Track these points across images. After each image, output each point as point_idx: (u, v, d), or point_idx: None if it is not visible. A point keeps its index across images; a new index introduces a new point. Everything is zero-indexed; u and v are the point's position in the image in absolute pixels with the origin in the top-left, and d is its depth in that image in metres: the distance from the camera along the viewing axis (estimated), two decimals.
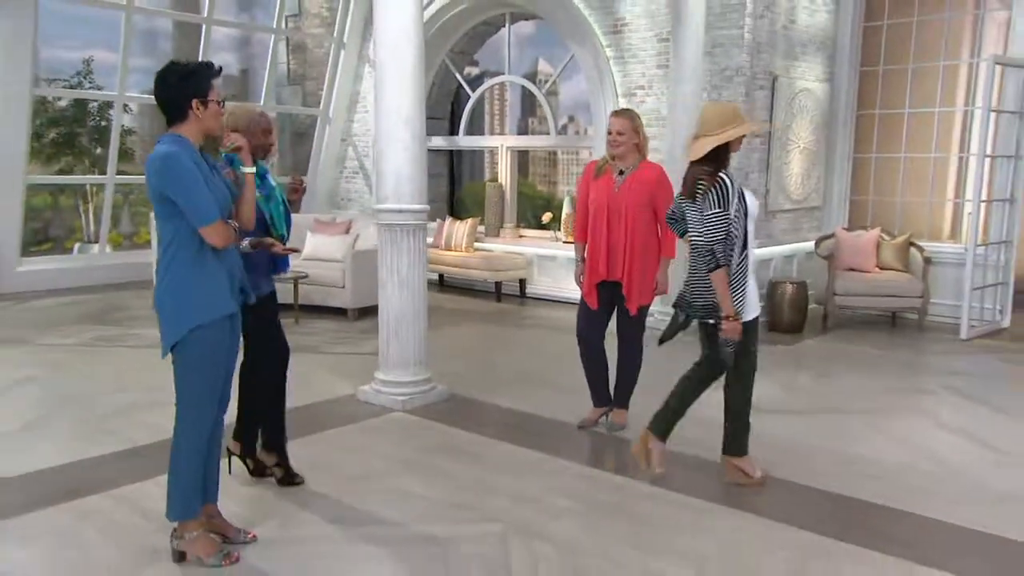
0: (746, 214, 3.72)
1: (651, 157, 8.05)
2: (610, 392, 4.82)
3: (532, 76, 11.57)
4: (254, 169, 3.25)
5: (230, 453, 3.86)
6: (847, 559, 3.22)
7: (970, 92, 8.19)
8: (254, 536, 3.27)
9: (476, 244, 9.56)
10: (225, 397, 3.20)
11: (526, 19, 9.95)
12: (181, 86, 2.92)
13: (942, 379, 5.96)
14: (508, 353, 6.78)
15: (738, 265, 3.68)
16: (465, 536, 3.36)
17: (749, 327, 3.79)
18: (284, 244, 3.72)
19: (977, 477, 4.13)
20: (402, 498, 3.74)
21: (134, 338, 6.89)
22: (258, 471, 3.89)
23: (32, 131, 10.26)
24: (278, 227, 3.70)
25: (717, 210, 3.62)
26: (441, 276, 9.82)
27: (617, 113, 4.61)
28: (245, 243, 3.48)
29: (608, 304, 4.68)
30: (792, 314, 7.55)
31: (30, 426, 4.62)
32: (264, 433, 3.89)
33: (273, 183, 3.73)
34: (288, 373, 3.93)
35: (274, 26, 10.43)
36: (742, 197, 3.72)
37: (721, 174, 3.68)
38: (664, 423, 3.92)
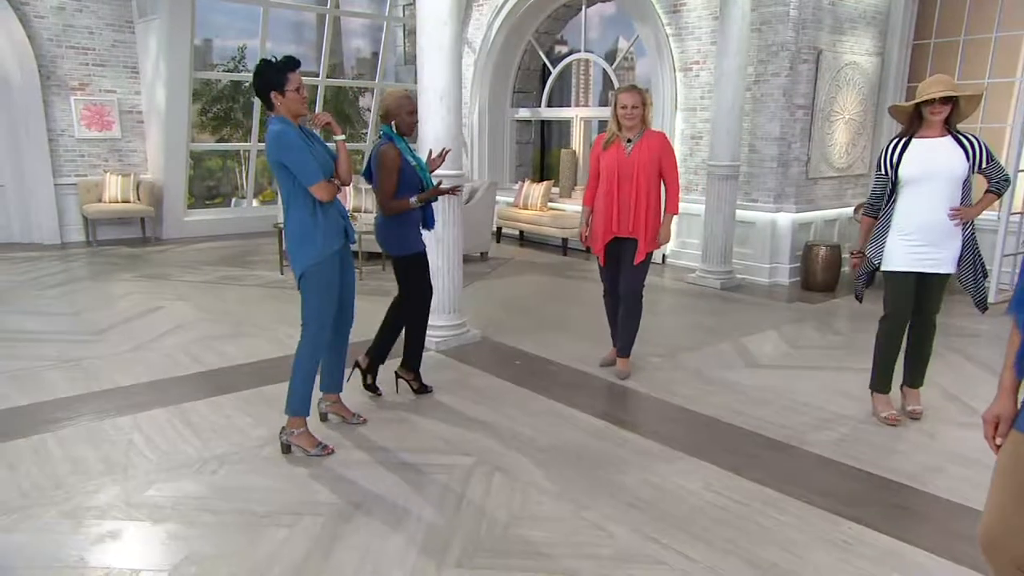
0: (895, 175, 3.64)
1: (701, 127, 7.65)
2: None
3: (613, 53, 10.98)
4: (344, 137, 3.34)
5: (356, 365, 4.07)
6: (771, 506, 2.95)
7: None
8: (365, 420, 3.73)
9: (550, 204, 9.33)
10: (349, 314, 3.53)
11: (602, 1, 9.42)
12: (259, 83, 3.14)
13: (952, 340, 5.30)
14: (554, 302, 6.60)
15: (884, 218, 3.73)
16: (439, 465, 3.32)
17: (887, 277, 3.75)
18: (430, 204, 3.97)
19: (925, 436, 3.68)
20: (405, 428, 3.73)
21: (253, 278, 7.21)
22: (371, 387, 4.11)
23: (200, 107, 10.82)
24: (427, 188, 3.90)
25: (877, 171, 3.76)
26: (521, 232, 9.67)
27: (627, 89, 4.28)
28: (413, 199, 3.76)
29: (616, 260, 4.43)
30: (825, 274, 6.94)
31: (139, 347, 4.94)
32: (405, 354, 4.14)
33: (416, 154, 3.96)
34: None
35: (386, 14, 10.38)
36: (890, 161, 3.64)
37: (893, 139, 3.70)
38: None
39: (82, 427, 3.62)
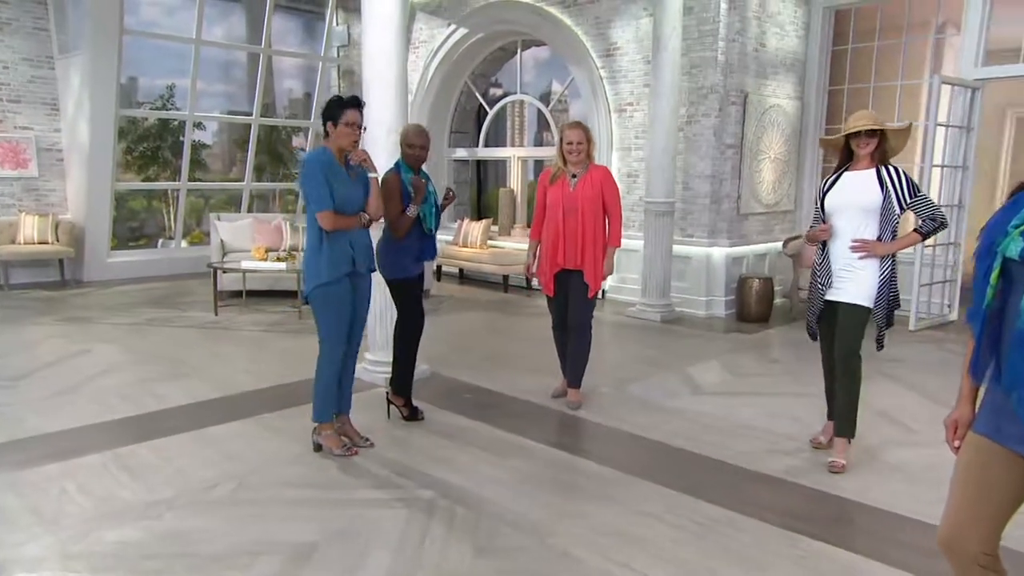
0: (822, 209, 3.66)
1: (636, 165, 7.93)
2: None
3: (547, 95, 11.30)
4: (376, 174, 3.68)
5: (389, 402, 4.30)
6: (728, 526, 3.02)
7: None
8: (372, 443, 3.84)
9: (489, 242, 9.41)
10: (355, 338, 3.73)
11: (536, 45, 9.73)
12: (323, 113, 3.51)
13: (881, 365, 5.57)
14: (498, 337, 6.63)
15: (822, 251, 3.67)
16: (397, 500, 3.25)
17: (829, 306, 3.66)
18: (431, 237, 4.15)
19: (872, 452, 3.85)
20: (357, 463, 3.63)
21: (185, 319, 6.95)
22: (411, 416, 4.27)
23: (126, 146, 10.50)
24: (427, 222, 4.06)
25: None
26: (461, 270, 9.70)
27: (571, 126, 4.42)
28: (409, 209, 3.95)
29: (564, 292, 4.52)
30: (759, 306, 7.23)
31: (62, 392, 4.67)
32: (394, 380, 4.28)
33: (431, 188, 4.09)
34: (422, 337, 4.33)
35: (322, 55, 10.41)
36: (820, 192, 3.69)
37: (831, 174, 3.72)
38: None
39: (2, 477, 3.38)
